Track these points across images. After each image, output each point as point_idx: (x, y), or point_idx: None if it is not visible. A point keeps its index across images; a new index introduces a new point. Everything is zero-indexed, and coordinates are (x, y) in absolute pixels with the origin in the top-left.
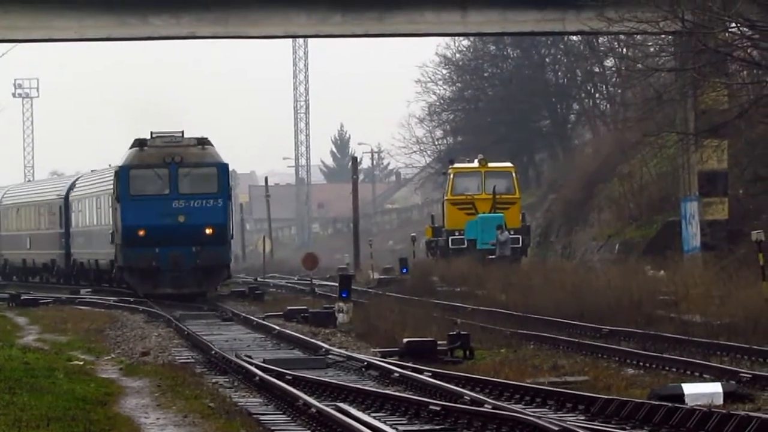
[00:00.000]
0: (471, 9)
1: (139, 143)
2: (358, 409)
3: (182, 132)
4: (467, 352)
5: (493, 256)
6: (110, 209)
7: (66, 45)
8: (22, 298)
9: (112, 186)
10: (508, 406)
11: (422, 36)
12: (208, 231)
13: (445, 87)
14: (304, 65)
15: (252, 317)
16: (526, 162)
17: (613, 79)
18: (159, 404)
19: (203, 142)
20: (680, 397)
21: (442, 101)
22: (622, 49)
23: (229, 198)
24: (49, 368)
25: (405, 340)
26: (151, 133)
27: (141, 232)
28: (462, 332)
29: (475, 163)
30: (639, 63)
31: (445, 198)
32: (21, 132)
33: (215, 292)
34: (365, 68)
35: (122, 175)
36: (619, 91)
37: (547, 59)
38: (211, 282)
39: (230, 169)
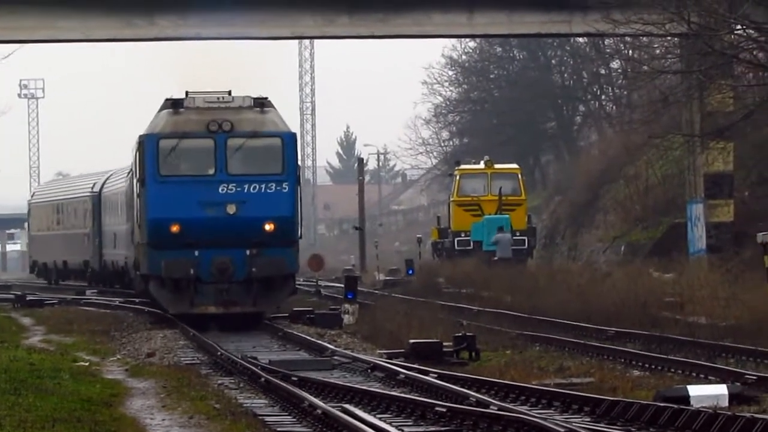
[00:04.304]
0: (477, 11)
1: (173, 104)
2: (364, 411)
3: (229, 91)
4: (473, 354)
5: (495, 258)
6: (133, 196)
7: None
8: (27, 298)
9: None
10: (514, 407)
11: (429, 37)
12: (268, 227)
13: (451, 88)
14: (310, 66)
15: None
16: (532, 164)
17: (619, 81)
18: (164, 405)
19: (263, 102)
20: (686, 398)
21: (448, 103)
22: (628, 51)
23: (297, 182)
24: (55, 369)
25: (411, 341)
26: (187, 92)
27: (174, 228)
28: (468, 334)
29: (481, 165)
30: (645, 65)
31: (451, 199)
32: (27, 132)
33: (275, 311)
34: (371, 69)
35: (148, 147)
36: (625, 92)
37: (553, 61)
38: (271, 299)
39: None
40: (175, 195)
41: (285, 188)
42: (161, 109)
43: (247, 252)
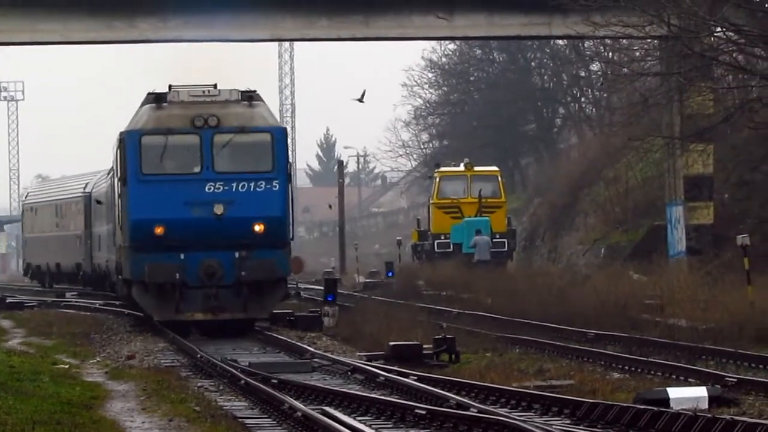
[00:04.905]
0: (457, 13)
1: (156, 98)
2: (344, 413)
3: (215, 84)
4: (453, 356)
5: (473, 260)
6: (114, 196)
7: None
8: (7, 301)
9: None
10: (494, 410)
11: (409, 40)
12: (258, 228)
13: (431, 91)
14: (290, 68)
15: None
16: (512, 166)
17: (599, 84)
18: (144, 408)
19: (251, 96)
20: (665, 401)
21: (428, 105)
22: (608, 54)
23: (289, 180)
24: (35, 372)
25: (391, 343)
26: (170, 86)
27: (158, 230)
28: (448, 336)
29: (461, 167)
30: (625, 67)
31: (431, 202)
32: (6, 135)
33: (266, 317)
34: (351, 72)
35: (130, 144)
36: (605, 95)
37: (533, 63)
38: (262, 304)
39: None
40: (159, 194)
41: (275, 187)
42: (143, 104)
43: (236, 254)
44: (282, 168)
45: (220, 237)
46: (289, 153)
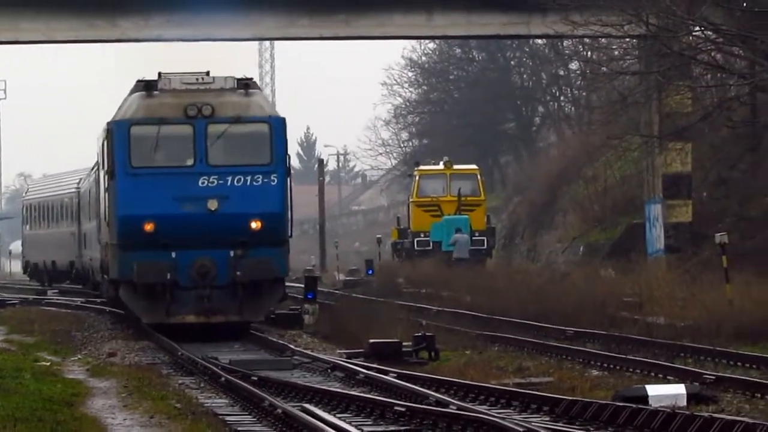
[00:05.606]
0: (436, 12)
1: (146, 86)
2: (324, 410)
3: (207, 72)
4: (432, 354)
5: (452, 258)
6: (99, 191)
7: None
8: None
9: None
10: (473, 407)
11: (389, 38)
12: (254, 225)
13: (411, 90)
14: (271, 67)
15: None
16: (492, 164)
17: (578, 82)
18: (126, 405)
19: (247, 84)
20: (644, 398)
21: (407, 104)
22: (586, 53)
23: (288, 173)
24: (16, 369)
25: (370, 341)
26: (160, 74)
27: (147, 227)
28: (427, 333)
29: (441, 166)
30: (603, 66)
31: (411, 200)
32: None
33: (262, 320)
34: (331, 71)
35: (118, 135)
36: (584, 94)
37: (512, 62)
38: (258, 306)
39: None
40: (149, 189)
41: (273, 181)
42: (132, 92)
43: (231, 253)
44: (280, 161)
45: (214, 234)
46: (288, 144)
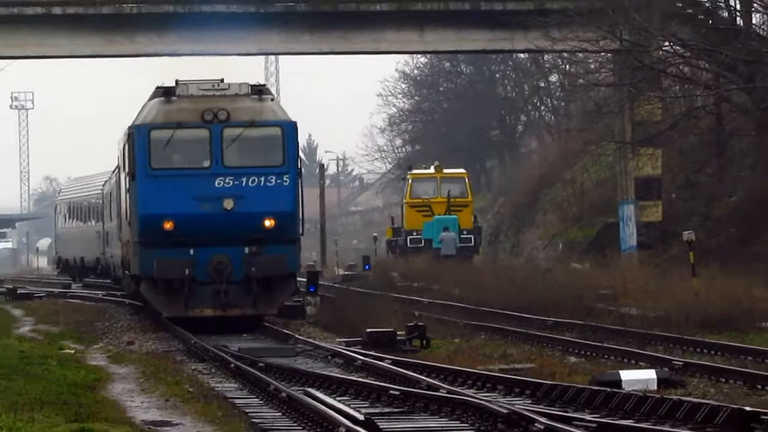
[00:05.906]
0: (428, 29)
1: (165, 92)
2: (325, 394)
3: (222, 79)
4: (424, 342)
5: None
6: (120, 192)
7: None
8: (18, 292)
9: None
10: (462, 391)
11: (384, 53)
12: (268, 223)
13: (404, 100)
14: (276, 80)
15: None
16: (478, 169)
17: (557, 93)
18: (143, 389)
19: (261, 90)
20: (618, 383)
21: (401, 113)
22: (565, 66)
23: (299, 175)
24: (43, 356)
25: (367, 330)
26: (177, 81)
27: (167, 225)
28: (419, 324)
29: (432, 170)
30: (581, 78)
31: (404, 201)
32: (17, 141)
33: (275, 313)
34: (331, 82)
35: (139, 138)
36: (563, 103)
37: (497, 75)
38: (271, 300)
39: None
40: (168, 189)
41: (286, 181)
42: (151, 98)
43: (246, 250)
44: (292, 162)
45: (229, 232)
46: (300, 147)
